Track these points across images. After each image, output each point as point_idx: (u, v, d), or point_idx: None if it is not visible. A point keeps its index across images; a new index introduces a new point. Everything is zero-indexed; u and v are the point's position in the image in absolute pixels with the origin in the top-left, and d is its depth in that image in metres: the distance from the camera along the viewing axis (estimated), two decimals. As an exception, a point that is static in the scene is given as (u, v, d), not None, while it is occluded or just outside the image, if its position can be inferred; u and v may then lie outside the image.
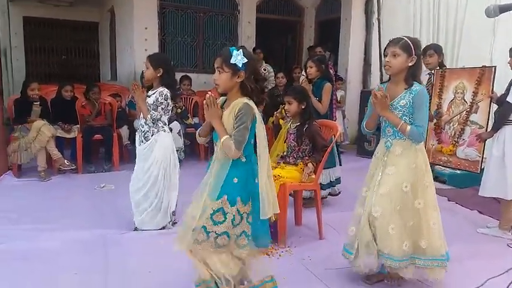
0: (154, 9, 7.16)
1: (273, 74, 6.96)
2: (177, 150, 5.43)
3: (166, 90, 3.31)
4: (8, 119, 5.24)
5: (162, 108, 3.30)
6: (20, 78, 6.58)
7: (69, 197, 4.23)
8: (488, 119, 3.76)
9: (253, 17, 8.08)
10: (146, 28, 7.07)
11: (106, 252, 2.96)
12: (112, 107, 5.54)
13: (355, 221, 2.57)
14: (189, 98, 6.35)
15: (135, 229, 3.38)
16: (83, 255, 2.90)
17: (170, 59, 3.49)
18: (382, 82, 2.63)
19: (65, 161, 4.94)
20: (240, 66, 2.02)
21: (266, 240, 2.19)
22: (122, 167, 5.24)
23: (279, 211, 2.19)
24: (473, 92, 3.85)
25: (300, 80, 4.76)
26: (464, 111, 3.97)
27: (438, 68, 4.30)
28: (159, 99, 3.27)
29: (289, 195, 3.40)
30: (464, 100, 3.95)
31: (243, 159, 2.09)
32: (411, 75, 2.44)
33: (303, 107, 3.45)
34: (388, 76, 2.57)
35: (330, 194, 4.22)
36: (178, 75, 6.41)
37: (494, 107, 3.76)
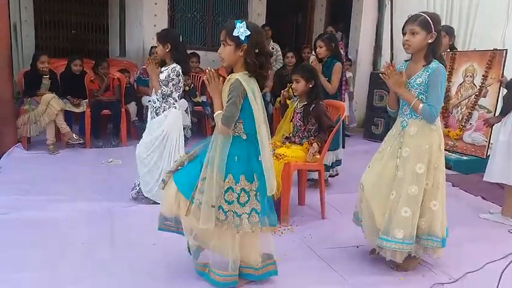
0: (164, -15, 7.10)
1: (280, 53, 6.88)
2: (184, 128, 5.51)
3: (179, 66, 3.33)
4: (18, 93, 5.30)
5: (173, 85, 3.32)
6: (30, 53, 6.59)
7: (77, 170, 4.30)
8: (496, 104, 3.73)
9: (264, -6, 7.97)
10: (156, 3, 7.02)
11: (112, 224, 3.03)
12: (120, 83, 5.57)
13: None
14: (197, 76, 6.34)
15: (141, 198, 3.43)
16: (90, 226, 2.98)
17: (178, 34, 3.48)
18: (405, 60, 2.56)
19: (74, 135, 5.00)
20: (243, 39, 2.01)
21: (275, 217, 2.24)
22: (129, 142, 5.29)
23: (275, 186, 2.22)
24: (483, 76, 3.81)
25: (310, 60, 4.70)
26: (473, 95, 3.93)
27: (449, 50, 4.24)
28: (171, 75, 3.30)
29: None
30: (474, 84, 3.91)
31: (244, 137, 2.11)
32: (431, 52, 2.37)
33: (310, 86, 3.43)
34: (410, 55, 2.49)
35: (329, 175, 4.21)
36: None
37: (504, 91, 3.72)
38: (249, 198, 2.12)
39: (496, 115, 3.67)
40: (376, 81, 6.49)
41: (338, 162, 4.20)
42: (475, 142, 3.84)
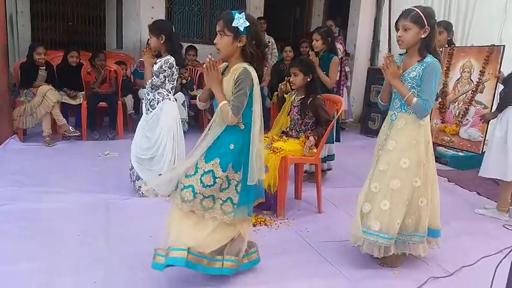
0: (161, -24, 7.05)
1: (275, 46, 6.85)
2: (181, 122, 5.52)
3: (172, 58, 3.32)
4: (14, 85, 5.26)
5: (165, 76, 3.32)
6: (26, 44, 6.53)
7: (73, 162, 4.29)
8: (493, 99, 3.74)
9: (262, -13, 7.94)
10: (153, -5, 6.97)
11: (108, 216, 3.03)
12: (117, 75, 5.53)
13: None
14: (194, 69, 6.31)
15: (140, 191, 3.40)
16: (86, 218, 2.97)
17: (172, 24, 3.48)
18: (400, 54, 2.55)
19: (70, 127, 4.98)
20: (242, 30, 2.00)
21: (250, 209, 2.21)
22: (126, 135, 5.27)
23: (263, 177, 2.20)
24: (480, 71, 3.82)
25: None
26: (470, 91, 3.94)
27: (447, 45, 4.25)
28: (163, 67, 3.30)
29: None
30: (471, 79, 3.92)
31: (242, 127, 2.10)
32: (425, 47, 2.36)
33: (308, 79, 3.43)
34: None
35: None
36: (184, 45, 6.39)
37: (500, 87, 3.73)
38: (228, 186, 2.11)
39: (492, 111, 3.69)
40: (374, 76, 6.49)
41: (331, 157, 4.18)
42: (471, 138, 3.85)
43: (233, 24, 2.00)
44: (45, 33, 9.64)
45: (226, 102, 2.05)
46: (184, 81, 5.91)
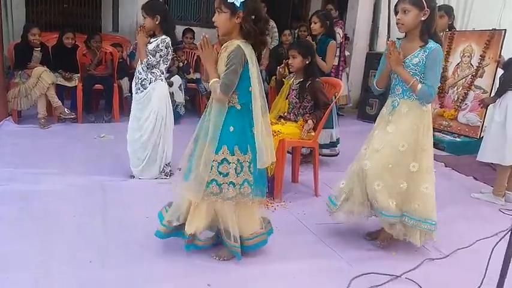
0: (158, -43, 6.90)
1: (276, 29, 6.77)
2: (177, 105, 5.49)
3: (168, 38, 3.29)
4: (8, 67, 5.18)
5: (161, 56, 3.28)
6: (20, 27, 6.40)
7: (69, 144, 4.25)
8: (492, 84, 3.72)
9: (261, -30, 7.80)
10: (150, -23, 6.83)
11: (105, 198, 3.01)
12: (113, 57, 5.46)
13: (348, 175, 2.55)
14: (191, 52, 6.24)
15: (132, 177, 3.43)
16: (82, 199, 2.95)
17: (165, 4, 3.43)
18: (398, 38, 2.51)
19: (65, 109, 4.93)
20: (238, 5, 1.96)
21: (264, 190, 2.23)
22: (122, 118, 5.22)
23: (275, 159, 2.21)
24: (480, 56, 3.79)
25: None
26: (470, 75, 3.92)
27: (447, 30, 4.20)
28: (160, 46, 3.26)
29: (288, 152, 3.41)
30: (471, 64, 3.90)
31: (238, 107, 2.08)
32: (426, 30, 2.33)
33: (307, 62, 3.39)
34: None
35: (330, 154, 4.20)
36: (181, 28, 6.31)
37: (500, 72, 3.71)
38: (242, 169, 2.12)
39: (491, 95, 3.67)
40: (373, 61, 6.43)
41: (338, 141, 4.17)
42: (469, 122, 3.85)
43: (229, 0, 1.96)
44: (40, 17, 9.46)
45: (216, 79, 2.03)
46: (181, 64, 5.85)
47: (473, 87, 3.83)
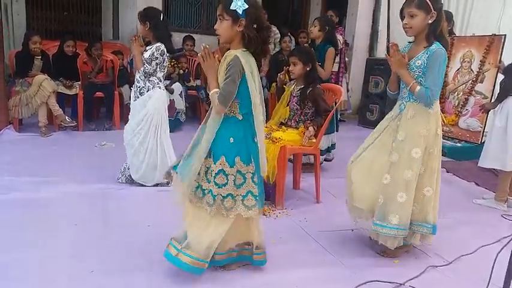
0: (158, -35, 6.94)
1: (278, 35, 6.79)
2: (178, 112, 5.50)
3: (163, 45, 3.30)
4: (9, 75, 5.19)
5: (157, 64, 3.29)
6: (21, 34, 6.44)
7: (70, 152, 4.25)
8: (493, 89, 3.72)
9: (261, -23, 7.84)
10: (150, -15, 6.87)
11: (106, 205, 3.00)
12: (114, 64, 5.48)
13: (379, 187, 2.49)
14: (192, 60, 6.26)
15: (133, 181, 3.42)
16: (83, 207, 2.95)
17: (161, 12, 3.43)
18: (409, 42, 2.51)
19: (66, 117, 4.94)
20: (240, 13, 1.95)
21: (263, 199, 2.21)
22: (122, 126, 5.13)
23: (266, 169, 2.19)
24: (480, 61, 3.80)
25: None
26: (470, 81, 3.92)
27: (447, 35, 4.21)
28: (155, 54, 3.28)
29: (289, 160, 3.40)
30: (471, 69, 3.90)
31: (240, 117, 2.05)
32: (432, 32, 2.32)
33: (308, 68, 3.39)
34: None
35: (325, 159, 4.21)
36: (181, 35, 6.34)
37: (500, 77, 3.71)
38: (245, 180, 2.08)
39: (492, 101, 3.67)
40: (372, 67, 6.46)
41: (333, 146, 4.19)
42: (470, 128, 3.85)
43: (231, 8, 1.95)
44: (40, 23, 9.51)
45: (216, 90, 2.01)
46: (181, 71, 5.86)
47: (473, 92, 3.83)
